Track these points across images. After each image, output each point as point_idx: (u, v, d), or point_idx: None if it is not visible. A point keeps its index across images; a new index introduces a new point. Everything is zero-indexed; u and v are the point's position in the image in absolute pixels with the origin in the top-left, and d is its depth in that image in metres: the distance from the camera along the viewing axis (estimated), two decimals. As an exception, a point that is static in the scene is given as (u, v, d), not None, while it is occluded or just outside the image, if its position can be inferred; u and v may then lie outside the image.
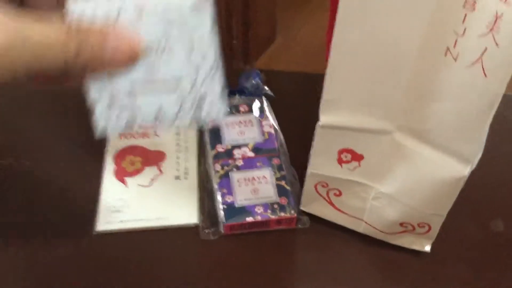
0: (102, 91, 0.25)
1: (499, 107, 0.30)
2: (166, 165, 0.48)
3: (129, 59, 0.24)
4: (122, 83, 0.25)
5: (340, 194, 0.41)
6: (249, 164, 0.46)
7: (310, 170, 0.40)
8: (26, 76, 0.22)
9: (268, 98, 0.53)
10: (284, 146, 0.49)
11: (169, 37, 0.25)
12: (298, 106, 0.54)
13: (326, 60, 0.32)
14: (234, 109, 0.51)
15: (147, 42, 0.24)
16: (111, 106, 0.25)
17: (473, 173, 0.33)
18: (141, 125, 0.26)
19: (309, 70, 0.60)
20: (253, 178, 0.45)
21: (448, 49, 0.30)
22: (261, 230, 0.43)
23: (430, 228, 0.38)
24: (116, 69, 0.24)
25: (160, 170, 0.47)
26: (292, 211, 0.43)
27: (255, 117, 0.50)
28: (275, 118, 0.51)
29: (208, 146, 0.48)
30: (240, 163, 0.46)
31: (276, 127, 0.50)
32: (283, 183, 0.45)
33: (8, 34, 0.21)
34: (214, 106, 0.26)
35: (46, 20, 0.22)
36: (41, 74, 0.23)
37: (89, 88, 0.25)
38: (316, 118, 0.35)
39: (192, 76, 0.26)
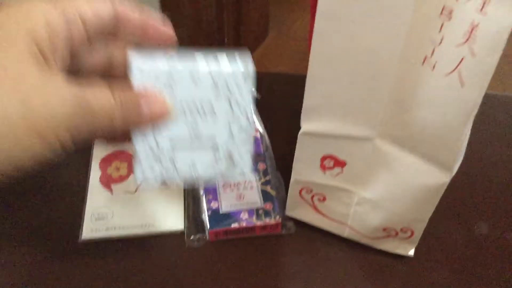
0: (145, 144, 0.28)
1: (488, 108, 0.30)
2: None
3: (160, 118, 0.27)
4: (164, 139, 0.28)
5: (325, 199, 0.41)
6: (234, 169, 0.46)
7: (294, 176, 0.40)
8: (82, 139, 0.24)
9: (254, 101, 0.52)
10: (270, 150, 0.49)
11: (215, 100, 0.28)
12: (285, 109, 0.53)
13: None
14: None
15: (191, 103, 0.27)
16: (152, 160, 0.28)
17: (457, 175, 0.33)
18: (175, 181, 0.28)
19: (302, 66, 0.59)
20: (239, 184, 0.45)
21: (426, 57, 0.29)
22: (246, 236, 0.43)
23: (413, 233, 0.39)
24: (150, 127, 0.27)
25: (146, 176, 0.47)
26: (277, 217, 0.43)
27: (241, 121, 0.50)
28: (260, 121, 0.51)
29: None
30: (225, 168, 0.46)
31: (262, 131, 0.50)
32: (268, 188, 0.45)
33: (69, 103, 0.22)
34: (242, 166, 0.29)
35: (96, 86, 0.24)
36: (92, 136, 0.25)
37: (133, 140, 0.27)
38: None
39: (227, 137, 0.28)
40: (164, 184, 0.28)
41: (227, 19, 1.36)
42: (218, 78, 0.27)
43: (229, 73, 0.27)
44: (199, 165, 0.28)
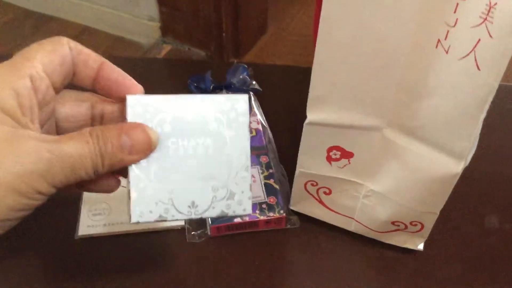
0: (141, 184, 0.27)
1: (501, 99, 0.28)
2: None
3: (145, 147, 0.26)
4: (162, 180, 0.27)
5: (330, 192, 0.39)
6: (236, 162, 0.44)
7: (298, 169, 0.38)
8: (64, 186, 0.25)
9: (256, 93, 0.51)
10: (273, 143, 0.48)
11: (213, 139, 0.28)
12: (287, 101, 0.52)
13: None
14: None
15: (188, 141, 0.27)
16: (150, 201, 0.27)
17: (467, 168, 0.32)
18: (173, 217, 0.28)
19: (301, 62, 0.58)
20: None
21: (439, 41, 0.28)
22: (249, 231, 0.41)
23: (423, 227, 0.37)
24: (136, 161, 0.27)
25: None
26: (281, 211, 0.41)
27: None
28: (263, 114, 0.50)
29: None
30: (227, 161, 0.45)
31: (264, 123, 0.49)
32: (271, 181, 0.43)
33: (44, 157, 0.23)
34: (242, 203, 0.29)
35: (72, 137, 0.25)
36: (76, 182, 0.25)
37: (129, 181, 0.27)
38: (305, 113, 0.34)
39: (226, 175, 0.28)
40: (162, 219, 0.28)
41: (225, 14, 1.34)
42: (216, 116, 0.28)
43: (227, 111, 0.28)
44: (199, 205, 0.28)
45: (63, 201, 0.44)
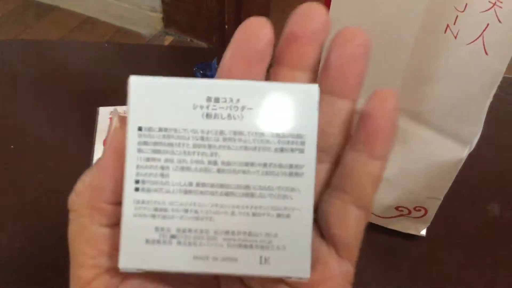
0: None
1: (501, 89, 0.29)
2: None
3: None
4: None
5: (335, 178, 0.40)
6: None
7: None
8: None
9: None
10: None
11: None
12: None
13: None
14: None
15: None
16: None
17: (470, 156, 0.32)
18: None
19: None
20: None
21: (448, 26, 0.28)
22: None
23: (426, 212, 0.38)
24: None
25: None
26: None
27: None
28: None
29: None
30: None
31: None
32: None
33: None
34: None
35: None
36: None
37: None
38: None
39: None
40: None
41: (227, 6, 1.34)
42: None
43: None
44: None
45: (70, 183, 0.44)
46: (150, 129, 0.17)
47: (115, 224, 0.18)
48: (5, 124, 0.49)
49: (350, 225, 0.17)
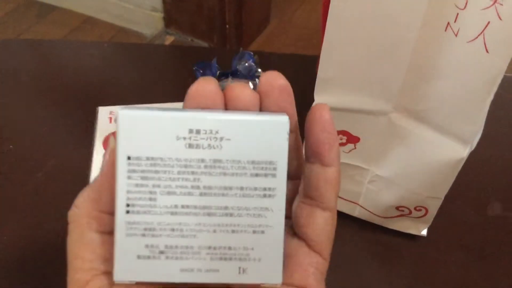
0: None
1: (500, 88, 0.28)
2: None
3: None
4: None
5: (335, 177, 0.39)
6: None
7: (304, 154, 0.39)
8: None
9: (261, 80, 0.51)
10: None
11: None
12: (293, 89, 0.52)
13: (323, 39, 0.31)
14: (226, 92, 0.50)
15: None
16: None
17: (470, 156, 0.32)
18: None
19: (304, 54, 0.58)
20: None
21: (448, 24, 0.28)
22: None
23: (427, 212, 0.38)
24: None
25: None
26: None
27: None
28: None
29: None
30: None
31: (270, 110, 0.49)
32: (276, 167, 0.43)
33: None
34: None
35: None
36: None
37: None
38: (311, 101, 0.34)
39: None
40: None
41: (228, 6, 1.34)
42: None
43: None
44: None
45: (70, 183, 0.44)
46: (138, 158, 0.18)
47: (111, 231, 0.19)
48: (5, 124, 0.49)
49: (318, 225, 0.20)
